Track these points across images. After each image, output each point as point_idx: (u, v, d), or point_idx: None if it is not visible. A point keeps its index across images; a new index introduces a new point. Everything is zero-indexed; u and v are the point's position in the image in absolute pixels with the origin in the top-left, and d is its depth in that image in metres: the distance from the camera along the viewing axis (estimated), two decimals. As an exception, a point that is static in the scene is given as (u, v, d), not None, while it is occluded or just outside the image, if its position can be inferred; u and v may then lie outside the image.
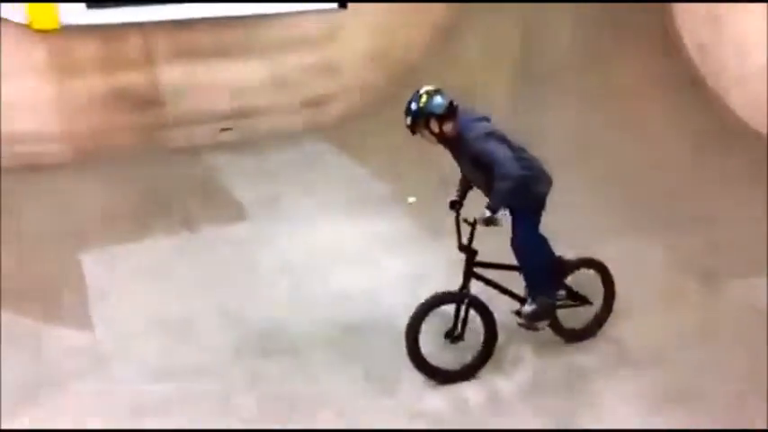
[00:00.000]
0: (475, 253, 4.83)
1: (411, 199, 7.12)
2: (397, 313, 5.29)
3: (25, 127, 7.53)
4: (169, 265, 6.12)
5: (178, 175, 7.43)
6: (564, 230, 6.23)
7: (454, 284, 5.29)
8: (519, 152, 4.65)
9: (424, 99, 4.60)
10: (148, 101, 8.02)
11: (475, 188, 5.01)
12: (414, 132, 4.72)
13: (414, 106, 4.61)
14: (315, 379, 4.95)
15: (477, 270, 4.88)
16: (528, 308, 4.93)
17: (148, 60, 7.93)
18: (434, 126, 4.62)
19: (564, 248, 5.13)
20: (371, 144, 8.03)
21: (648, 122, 8.12)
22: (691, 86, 8.47)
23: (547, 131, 7.58)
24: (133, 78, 7.93)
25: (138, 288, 5.83)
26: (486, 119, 4.79)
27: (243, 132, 8.37)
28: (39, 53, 7.58)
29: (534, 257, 4.84)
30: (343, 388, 4.86)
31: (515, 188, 4.43)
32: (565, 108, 7.87)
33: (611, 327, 5.28)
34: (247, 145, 8.15)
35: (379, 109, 8.11)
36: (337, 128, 8.44)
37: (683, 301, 5.57)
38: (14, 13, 7.24)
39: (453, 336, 4.90)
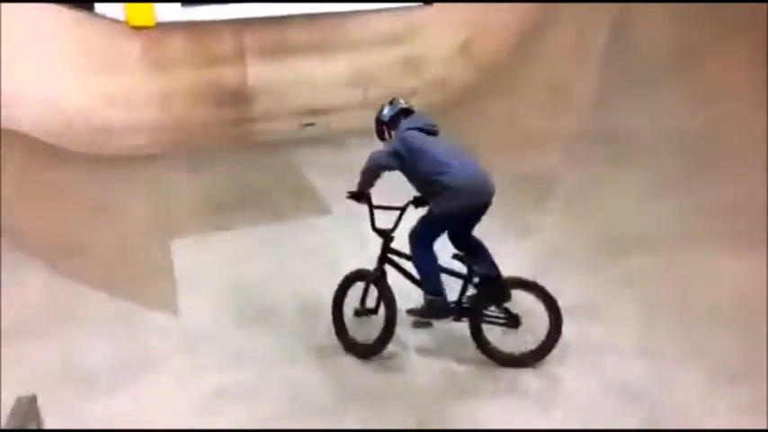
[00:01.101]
0: (390, 238, 5.20)
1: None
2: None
3: (121, 119, 7.93)
4: (254, 253, 6.32)
5: (263, 167, 7.65)
6: (652, 234, 6.16)
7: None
8: (436, 167, 4.89)
9: (379, 109, 5.36)
10: (237, 96, 8.29)
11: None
12: (381, 138, 5.34)
13: (376, 114, 5.33)
14: (390, 371, 5.02)
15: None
16: (422, 304, 5.08)
17: (238, 57, 8.20)
18: (385, 132, 5.31)
19: (647, 251, 5.01)
20: (450, 140, 8.00)
21: (747, 125, 7.78)
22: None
23: (639, 130, 7.37)
24: (223, 74, 8.21)
25: (224, 275, 6.04)
26: (427, 129, 5.17)
27: (325, 127, 8.53)
28: (134, 49, 7.94)
29: (417, 255, 5.03)
30: (416, 384, 4.91)
31: (369, 170, 5.01)
32: (659, 108, 7.62)
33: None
34: (329, 140, 8.29)
35: (461, 106, 8.11)
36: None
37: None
38: (112, 10, 7.61)
39: (364, 311, 5.23)
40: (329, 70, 8.61)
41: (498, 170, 7.26)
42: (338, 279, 5.88)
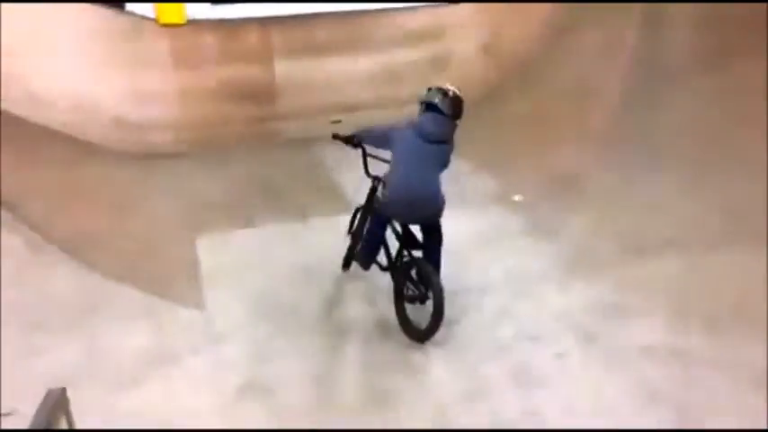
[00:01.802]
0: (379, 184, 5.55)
1: (517, 197, 7.04)
2: (495, 314, 5.38)
3: (149, 116, 8.00)
4: (278, 251, 6.35)
5: (289, 165, 7.69)
6: (681, 234, 6.10)
7: (555, 285, 5.29)
8: (390, 169, 5.30)
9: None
10: (264, 93, 8.33)
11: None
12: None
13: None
14: (414, 370, 5.02)
15: None
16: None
17: (266, 54, 8.23)
18: None
19: (676, 252, 4.97)
20: (477, 140, 7.96)
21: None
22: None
23: (668, 130, 7.30)
24: (251, 72, 8.25)
25: (248, 272, 6.08)
26: (423, 135, 5.34)
27: (351, 125, 8.52)
28: (163, 46, 8.01)
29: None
30: (440, 382, 4.90)
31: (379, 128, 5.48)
32: (688, 108, 7.54)
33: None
34: (355, 138, 8.27)
35: (487, 104, 8.07)
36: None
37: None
38: (143, 8, 7.69)
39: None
40: (356, 68, 8.61)
41: (525, 170, 7.35)
42: (363, 274, 5.86)
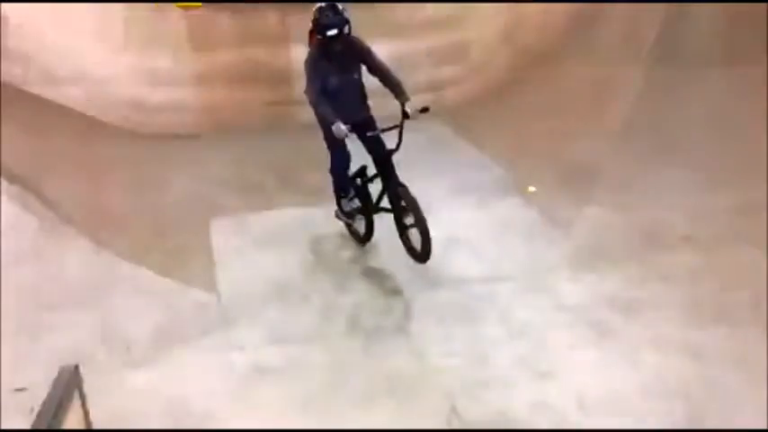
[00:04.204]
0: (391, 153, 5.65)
1: (531, 188, 6.99)
2: (507, 305, 5.37)
3: (165, 98, 8.00)
4: (292, 235, 6.35)
5: (304, 149, 7.64)
6: (695, 229, 6.05)
7: (568, 277, 5.26)
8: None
9: (340, 7, 5.24)
10: (279, 77, 8.29)
11: None
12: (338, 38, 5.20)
13: (345, 14, 5.24)
14: (425, 359, 5.01)
15: None
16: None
17: (282, 38, 8.19)
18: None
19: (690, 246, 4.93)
20: (494, 129, 7.94)
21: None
22: None
23: (686, 125, 7.23)
24: (267, 55, 8.22)
25: (262, 255, 6.09)
26: None
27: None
28: (180, 28, 7.99)
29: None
30: (451, 371, 4.89)
31: None
32: (704, 100, 7.46)
33: None
34: (369, 124, 8.24)
35: (504, 94, 8.04)
36: (459, 111, 8.38)
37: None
38: (161, -11, 7.68)
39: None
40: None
41: (540, 160, 7.29)
42: (375, 259, 5.86)
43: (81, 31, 7.70)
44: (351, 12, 5.40)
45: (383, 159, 5.62)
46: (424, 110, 5.45)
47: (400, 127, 5.45)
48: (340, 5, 5.29)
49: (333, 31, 5.17)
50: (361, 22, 8.29)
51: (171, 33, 7.96)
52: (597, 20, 8.75)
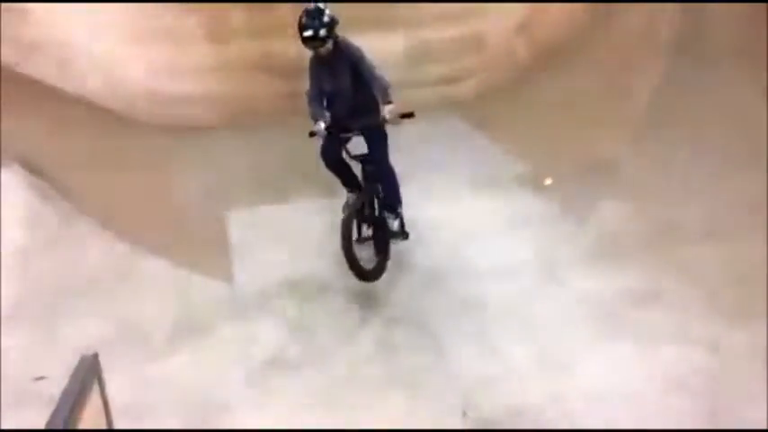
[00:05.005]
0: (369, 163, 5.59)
1: (548, 181, 6.96)
2: (522, 298, 5.37)
3: (180, 90, 8.03)
4: (306, 227, 6.37)
5: (319, 141, 7.66)
6: (714, 222, 6.00)
7: (584, 271, 5.23)
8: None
9: (327, 10, 5.26)
10: (294, 70, 8.27)
11: None
12: (322, 45, 5.26)
13: (325, 17, 5.23)
14: (440, 351, 5.01)
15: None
16: (394, 222, 5.76)
17: (297, 31, 8.16)
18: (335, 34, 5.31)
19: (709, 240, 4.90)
20: (510, 121, 7.89)
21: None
22: None
23: (706, 118, 7.14)
24: (281, 48, 8.20)
25: (277, 247, 6.11)
26: None
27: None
28: (194, 21, 8.01)
29: (390, 174, 5.67)
30: (466, 364, 4.89)
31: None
32: (722, 94, 7.36)
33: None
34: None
35: (520, 86, 7.98)
36: (475, 103, 8.34)
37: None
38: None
39: (365, 238, 5.61)
40: (385, 46, 8.52)
41: (558, 153, 7.25)
42: (391, 253, 5.86)
43: (99, 24, 7.74)
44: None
45: (363, 164, 5.71)
46: (407, 115, 5.50)
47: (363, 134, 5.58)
48: (326, 9, 5.32)
49: (308, 32, 5.24)
50: (378, 15, 8.34)
51: (187, 26, 7.98)
52: (615, 12, 8.65)
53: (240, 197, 6.80)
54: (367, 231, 5.69)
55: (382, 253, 5.63)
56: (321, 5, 5.30)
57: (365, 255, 5.60)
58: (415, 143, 7.88)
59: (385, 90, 5.29)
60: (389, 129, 5.62)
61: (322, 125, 5.38)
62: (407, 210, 6.14)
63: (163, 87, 7.93)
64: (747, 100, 7.45)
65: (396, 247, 6.00)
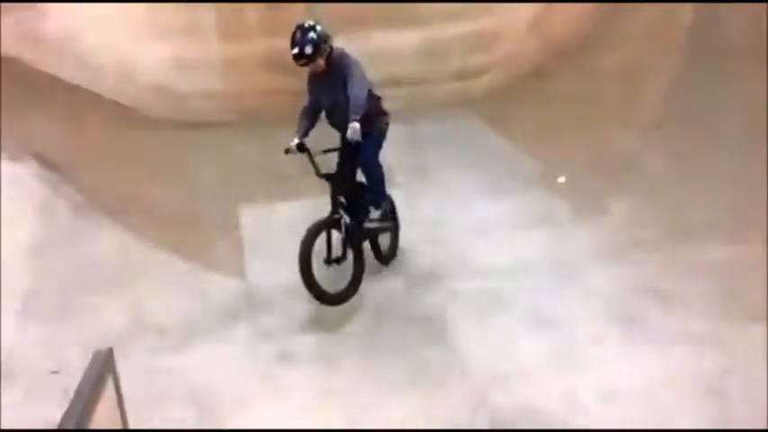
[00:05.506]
0: (338, 178, 5.49)
1: (561, 179, 6.93)
2: (536, 296, 5.36)
3: (193, 85, 8.04)
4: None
5: (331, 138, 7.65)
6: (727, 221, 5.96)
7: (599, 269, 5.19)
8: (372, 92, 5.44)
9: (318, 27, 5.27)
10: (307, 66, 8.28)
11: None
12: (311, 62, 5.28)
13: (312, 35, 5.22)
14: (453, 348, 5.00)
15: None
16: (376, 212, 5.64)
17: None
18: (326, 51, 5.29)
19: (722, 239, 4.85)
20: (523, 119, 7.86)
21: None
22: None
23: (720, 116, 7.10)
24: (295, 43, 8.20)
25: (290, 243, 6.06)
26: None
27: (393, 101, 8.45)
28: (209, 17, 8.02)
29: (379, 169, 5.64)
30: (479, 361, 4.87)
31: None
32: (736, 91, 7.31)
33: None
34: (397, 114, 8.18)
35: (534, 83, 7.94)
36: (488, 100, 8.31)
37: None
38: (189, -23, 7.69)
39: (335, 259, 5.36)
40: (399, 43, 8.50)
41: (571, 151, 7.22)
42: (402, 255, 5.89)
43: (113, 19, 7.76)
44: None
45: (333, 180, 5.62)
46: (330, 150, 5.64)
47: (339, 150, 5.53)
48: (317, 26, 5.31)
49: (294, 50, 5.27)
50: (391, 12, 8.33)
51: (201, 22, 7.99)
52: (628, 9, 8.60)
53: (253, 193, 6.81)
54: (341, 253, 5.43)
55: (353, 285, 5.42)
56: (311, 22, 5.31)
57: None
58: (428, 141, 7.88)
59: (354, 109, 5.12)
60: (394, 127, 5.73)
61: (293, 142, 5.43)
62: (420, 210, 6.15)
63: (177, 83, 7.95)
64: (762, 97, 7.41)
65: (410, 244, 6.00)
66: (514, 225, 6.35)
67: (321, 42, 5.27)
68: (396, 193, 6.70)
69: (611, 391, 4.54)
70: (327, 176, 5.49)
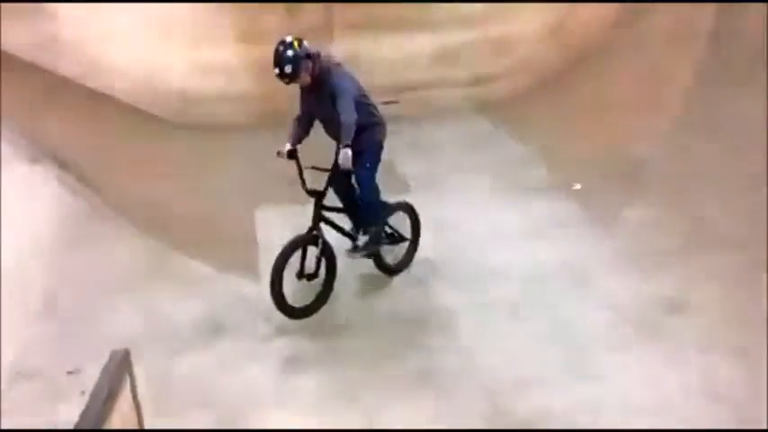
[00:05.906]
0: (323, 196, 5.39)
1: (576, 186, 6.90)
2: (551, 303, 5.35)
3: (211, 89, 8.12)
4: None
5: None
6: (744, 229, 5.90)
7: (614, 276, 5.16)
8: (370, 105, 5.36)
9: (296, 44, 5.08)
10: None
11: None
12: (293, 80, 5.14)
13: (290, 53, 5.04)
14: (467, 355, 5.00)
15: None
16: (363, 238, 5.51)
17: (326, 31, 8.23)
18: (308, 68, 5.11)
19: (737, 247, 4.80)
20: (539, 125, 7.85)
21: None
22: None
23: (734, 119, 7.04)
24: (312, 48, 8.24)
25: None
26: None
27: (407, 106, 8.48)
28: (227, 21, 8.09)
29: (373, 192, 5.45)
30: (492, 367, 4.87)
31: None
32: (757, 97, 7.23)
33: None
34: (410, 119, 8.23)
35: (549, 89, 7.94)
36: (503, 106, 8.33)
37: None
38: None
39: (308, 274, 5.33)
40: (413, 48, 8.53)
41: (586, 157, 7.19)
42: (417, 254, 5.86)
43: (131, 22, 7.85)
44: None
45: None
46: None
47: (331, 171, 5.35)
48: (295, 43, 5.11)
49: (275, 69, 5.13)
50: (406, 16, 8.35)
51: (219, 26, 8.06)
52: (646, 14, 8.57)
53: (269, 196, 6.84)
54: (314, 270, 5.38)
55: (317, 301, 5.42)
56: (290, 39, 5.14)
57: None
58: (443, 145, 7.90)
59: (345, 132, 5.03)
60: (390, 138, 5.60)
61: (285, 147, 5.37)
62: (432, 215, 6.14)
63: (194, 86, 8.03)
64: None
65: (424, 249, 6.00)
66: (529, 231, 6.33)
67: (301, 59, 5.08)
68: (408, 197, 6.74)
69: (627, 399, 4.51)
70: (313, 192, 5.42)
